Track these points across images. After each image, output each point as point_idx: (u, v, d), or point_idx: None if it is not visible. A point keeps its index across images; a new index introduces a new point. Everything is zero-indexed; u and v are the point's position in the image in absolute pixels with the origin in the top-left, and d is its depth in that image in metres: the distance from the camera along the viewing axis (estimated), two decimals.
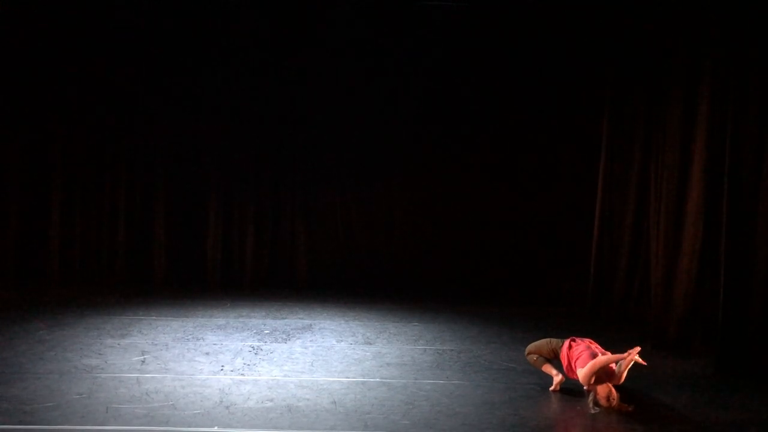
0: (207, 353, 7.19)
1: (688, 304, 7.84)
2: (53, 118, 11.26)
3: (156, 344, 7.46)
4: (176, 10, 10.37)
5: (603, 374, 5.73)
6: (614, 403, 5.56)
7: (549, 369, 6.34)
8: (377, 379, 6.45)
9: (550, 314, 9.95)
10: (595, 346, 6.12)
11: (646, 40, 9.08)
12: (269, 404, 5.65)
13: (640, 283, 9.50)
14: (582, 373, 5.77)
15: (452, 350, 7.64)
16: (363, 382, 6.34)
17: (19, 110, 11.17)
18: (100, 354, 6.99)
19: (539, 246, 11.54)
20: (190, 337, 7.87)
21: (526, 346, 7.85)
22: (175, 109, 11.39)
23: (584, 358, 5.84)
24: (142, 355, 7.02)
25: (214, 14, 10.51)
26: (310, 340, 7.92)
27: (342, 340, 7.97)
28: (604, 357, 5.74)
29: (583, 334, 8.54)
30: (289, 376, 6.46)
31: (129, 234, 11.56)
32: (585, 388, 5.87)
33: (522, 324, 9.16)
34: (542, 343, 6.44)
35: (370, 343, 7.86)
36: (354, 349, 7.59)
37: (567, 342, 6.16)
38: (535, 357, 6.42)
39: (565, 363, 6.11)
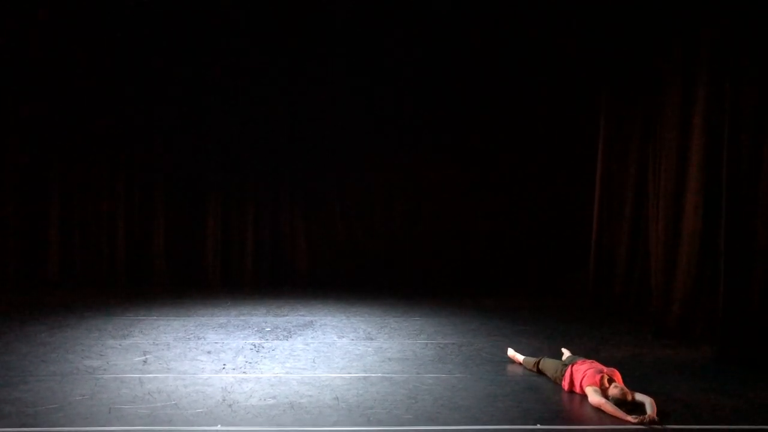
0: (209, 352, 7.20)
1: (688, 293, 7.86)
2: (51, 119, 11.26)
3: (157, 344, 7.47)
4: (175, 13, 10.36)
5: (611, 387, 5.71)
6: (629, 396, 5.54)
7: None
8: (379, 374, 6.45)
9: (551, 306, 9.97)
10: (597, 364, 6.06)
11: (642, 35, 9.08)
12: (272, 401, 5.66)
13: (640, 274, 9.52)
14: (591, 401, 5.70)
15: (453, 344, 7.65)
16: (365, 378, 6.35)
17: (17, 113, 11.16)
18: (101, 355, 7.00)
19: (539, 239, 11.56)
20: (191, 336, 7.88)
21: (527, 339, 7.88)
22: (173, 110, 11.40)
23: (590, 375, 5.82)
24: (144, 355, 7.02)
25: (211, 16, 10.49)
26: (312, 337, 7.93)
27: (343, 336, 7.98)
28: (611, 407, 5.57)
29: (585, 326, 8.64)
30: (291, 373, 6.47)
31: (129, 235, 11.58)
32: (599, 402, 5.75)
33: (523, 316, 9.19)
34: (550, 367, 6.37)
35: (372, 339, 7.87)
36: (355, 344, 7.60)
37: (568, 370, 6.08)
38: (536, 371, 6.49)
39: (566, 383, 6.05)
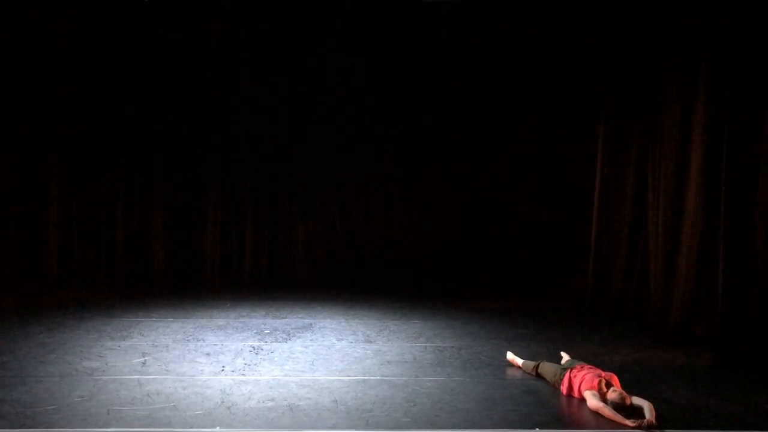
0: (208, 354, 7.19)
1: (687, 296, 7.86)
2: (50, 118, 11.26)
3: (156, 345, 7.46)
4: (174, 12, 10.35)
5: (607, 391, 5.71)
6: (628, 401, 5.55)
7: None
8: (378, 377, 6.45)
9: (550, 310, 9.96)
10: (595, 369, 6.07)
11: (642, 39, 9.08)
12: (270, 404, 5.66)
13: (638, 277, 9.52)
14: (590, 405, 5.70)
15: (452, 347, 7.65)
16: (364, 381, 6.35)
17: (15, 111, 11.17)
18: (100, 356, 7.00)
19: (538, 242, 11.55)
20: (190, 338, 7.88)
21: (526, 342, 7.88)
22: (172, 110, 11.39)
23: (588, 379, 5.83)
24: (143, 356, 7.02)
25: (212, 13, 10.49)
26: (311, 339, 7.93)
27: (342, 339, 7.97)
28: (609, 412, 5.56)
29: (584, 329, 8.63)
30: (289, 376, 6.47)
31: (128, 236, 11.58)
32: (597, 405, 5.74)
33: (522, 320, 9.18)
34: (548, 371, 6.39)
35: (371, 342, 7.87)
36: (354, 347, 7.60)
37: (567, 374, 6.11)
38: (535, 374, 6.51)
39: (565, 387, 6.06)
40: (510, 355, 7.02)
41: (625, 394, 5.60)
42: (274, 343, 7.71)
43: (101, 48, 10.95)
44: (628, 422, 5.32)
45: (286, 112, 11.62)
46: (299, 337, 8.02)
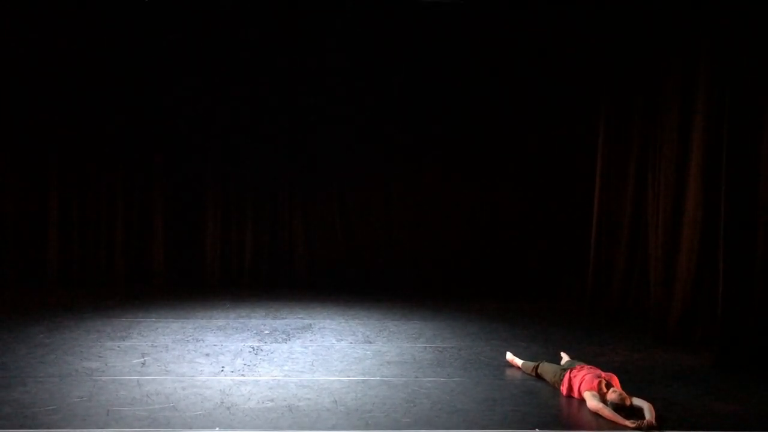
0: (207, 354, 7.19)
1: (687, 297, 7.86)
2: (50, 118, 11.25)
3: (156, 346, 7.46)
4: (175, 9, 10.33)
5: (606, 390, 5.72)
6: (627, 401, 5.55)
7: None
8: (378, 378, 6.45)
9: (549, 311, 9.96)
10: (595, 370, 6.07)
11: (642, 42, 9.08)
12: (270, 404, 5.66)
13: (638, 278, 9.51)
14: (590, 405, 5.70)
15: (452, 347, 7.65)
16: (364, 381, 6.35)
17: (16, 110, 11.16)
18: (100, 357, 7.00)
19: (538, 242, 11.54)
20: (190, 338, 7.88)
21: (525, 343, 7.89)
22: (172, 110, 11.38)
23: (588, 380, 5.83)
24: (143, 357, 7.02)
25: (212, 14, 10.47)
26: (310, 340, 7.93)
27: (342, 339, 7.97)
28: (609, 412, 5.56)
29: (583, 330, 8.63)
30: (289, 376, 6.47)
31: (127, 236, 11.57)
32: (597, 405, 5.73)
33: (521, 320, 9.18)
34: (548, 372, 6.40)
35: (370, 342, 7.86)
36: (354, 348, 7.60)
37: (567, 375, 6.11)
38: (534, 375, 6.52)
39: (565, 388, 6.06)
40: (510, 356, 7.02)
41: (625, 394, 5.60)
42: (274, 344, 7.71)
43: (101, 48, 10.93)
44: (628, 423, 5.32)
45: (286, 112, 11.61)
46: (299, 338, 8.02)
